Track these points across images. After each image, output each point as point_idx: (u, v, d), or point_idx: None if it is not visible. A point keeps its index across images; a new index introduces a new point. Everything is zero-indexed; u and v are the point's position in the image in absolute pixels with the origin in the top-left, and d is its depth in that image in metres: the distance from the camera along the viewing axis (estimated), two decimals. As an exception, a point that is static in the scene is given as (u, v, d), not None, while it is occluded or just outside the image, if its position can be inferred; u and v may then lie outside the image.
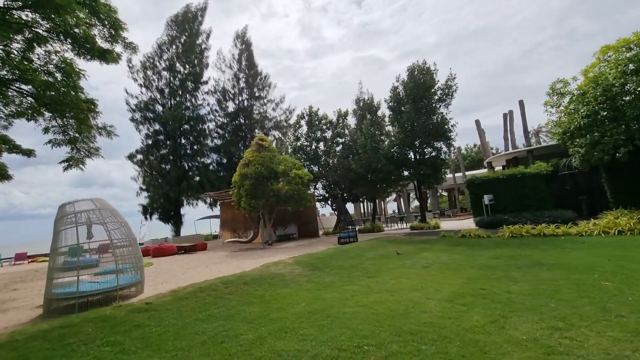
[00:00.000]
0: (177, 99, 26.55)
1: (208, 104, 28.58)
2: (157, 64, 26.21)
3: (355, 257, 9.44)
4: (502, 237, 10.90)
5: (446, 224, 18.22)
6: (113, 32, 10.10)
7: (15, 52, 11.29)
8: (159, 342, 3.84)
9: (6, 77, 11.74)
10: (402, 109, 16.04)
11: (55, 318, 5.29)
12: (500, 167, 20.34)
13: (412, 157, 16.67)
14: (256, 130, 30.61)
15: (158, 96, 26.28)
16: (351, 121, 20.54)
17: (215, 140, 28.17)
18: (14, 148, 13.48)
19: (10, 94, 12.41)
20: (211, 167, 28.02)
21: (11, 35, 10.84)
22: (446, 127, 15.74)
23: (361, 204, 31.31)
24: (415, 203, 39.99)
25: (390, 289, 5.53)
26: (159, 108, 26.26)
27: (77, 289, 5.60)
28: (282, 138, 28.50)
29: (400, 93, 16.09)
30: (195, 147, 27.02)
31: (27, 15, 10.59)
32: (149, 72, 25.99)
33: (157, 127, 25.99)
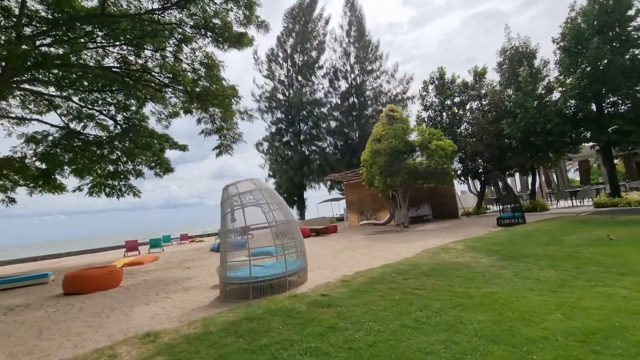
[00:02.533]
0: (296, 85, 27.25)
1: (323, 87, 28.49)
2: (278, 54, 27.32)
3: (552, 243, 7.01)
4: None
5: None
6: (247, 13, 10.00)
7: (169, 55, 12.57)
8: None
9: (163, 81, 13.32)
10: (582, 47, 11.83)
11: (233, 302, 5.00)
12: None
13: (597, 110, 12.30)
14: (369, 109, 29.16)
15: (279, 86, 27.50)
16: (492, 78, 16.82)
17: (330, 123, 27.93)
18: (173, 144, 15.54)
19: (168, 95, 14.20)
20: (327, 150, 28.00)
21: (164, 41, 12.05)
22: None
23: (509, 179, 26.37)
24: (570, 175, 31.93)
25: None
26: (281, 97, 27.47)
27: (249, 273, 5.21)
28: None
29: (581, 25, 11.81)
30: (314, 131, 27.34)
31: (175, 17, 11.49)
32: (272, 64, 27.35)
33: (279, 115, 27.30)
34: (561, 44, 12.71)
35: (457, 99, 16.64)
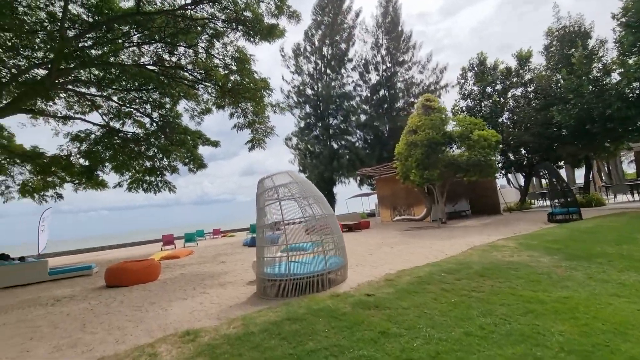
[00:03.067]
0: (325, 79, 26.84)
1: (352, 80, 27.88)
2: (306, 48, 27.02)
3: (624, 242, 6.18)
4: None
5: None
6: (279, 3, 9.76)
7: (201, 51, 12.64)
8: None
9: (196, 77, 13.45)
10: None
11: (271, 300, 4.78)
12: None
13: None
14: (400, 101, 28.20)
15: (308, 80, 27.23)
16: (538, 62, 15.47)
17: (360, 116, 27.30)
18: (206, 141, 15.74)
19: (200, 92, 14.37)
20: (357, 144, 27.42)
21: (197, 37, 12.11)
22: None
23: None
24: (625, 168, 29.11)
25: None
26: (309, 91, 27.20)
27: (288, 270, 4.96)
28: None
29: (648, -5, 10.47)
30: (343, 125, 26.87)
31: (206, 12, 11.49)
32: (300, 59, 27.10)
33: (308, 109, 27.07)
34: (623, 19, 11.33)
35: (498, 86, 15.49)
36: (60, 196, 15.06)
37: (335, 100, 26.24)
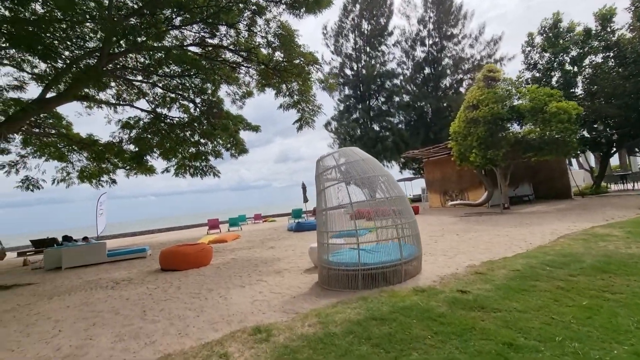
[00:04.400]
0: (365, 58, 25.51)
1: (394, 57, 26.27)
2: (344, 26, 25.72)
3: None
4: None
5: None
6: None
7: (243, 30, 12.16)
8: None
9: (238, 60, 13.06)
10: None
11: (339, 292, 4.23)
12: None
13: None
14: (447, 79, 26.19)
15: (346, 60, 26.05)
16: (620, 20, 13.15)
17: (403, 96, 25.75)
18: (247, 126, 15.52)
19: (241, 75, 14.03)
20: (400, 126, 26.01)
21: (238, 14, 11.60)
22: None
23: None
24: None
25: None
26: (348, 72, 26.09)
27: (358, 259, 4.35)
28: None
29: None
30: (384, 107, 25.55)
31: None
32: (339, 38, 25.90)
33: (347, 91, 26.02)
34: None
35: (573, 53, 13.41)
36: (114, 181, 15.72)
37: (377, 79, 24.89)
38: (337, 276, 4.52)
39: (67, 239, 12.21)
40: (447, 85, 25.80)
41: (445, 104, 24.85)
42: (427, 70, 26.39)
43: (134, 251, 9.62)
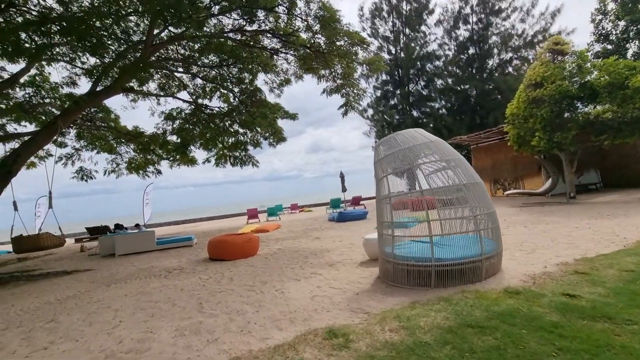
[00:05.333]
0: (403, 40, 24.22)
1: (435, 38, 24.71)
2: (382, 7, 24.50)
3: None
4: None
5: None
6: None
7: (282, 14, 11.75)
8: None
9: (275, 47, 12.72)
10: None
11: (410, 290, 3.78)
12: None
13: None
14: (495, 58, 24.23)
15: (383, 43, 24.93)
16: None
17: (447, 80, 24.22)
18: (285, 114, 15.28)
19: (279, 62, 13.72)
20: (441, 111, 24.57)
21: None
22: None
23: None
24: None
25: None
26: (385, 56, 24.95)
27: (432, 253, 3.84)
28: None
29: None
30: (424, 91, 24.23)
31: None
32: (376, 20, 24.77)
33: (384, 77, 24.93)
34: None
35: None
36: (159, 172, 16.24)
37: (416, 63, 23.56)
38: (406, 271, 4.05)
39: (118, 227, 12.78)
40: (495, 65, 23.89)
41: (491, 86, 23.07)
42: (471, 51, 24.60)
43: (181, 239, 9.76)
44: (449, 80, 24.39)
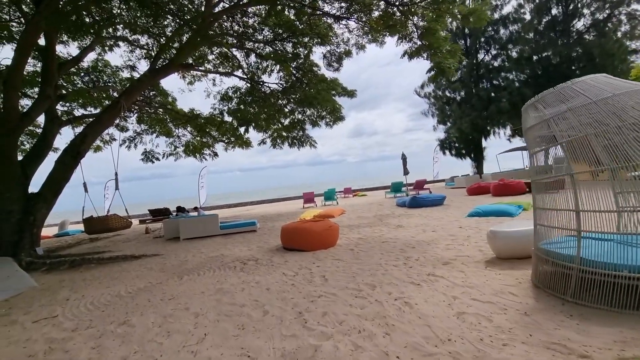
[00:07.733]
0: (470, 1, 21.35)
1: (509, 0, 21.48)
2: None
3: None
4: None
5: None
6: None
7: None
8: None
9: (336, 14, 11.40)
10: None
11: (615, 313, 2.45)
12: None
13: None
14: (586, 18, 20.50)
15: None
16: None
17: (525, 47, 21.05)
18: (343, 91, 14.09)
19: (340, 30, 12.45)
20: (516, 83, 21.54)
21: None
22: None
23: None
24: None
25: None
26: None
27: (625, 256, 2.44)
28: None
29: None
30: (495, 62, 21.32)
31: None
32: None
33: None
34: None
35: None
36: (215, 154, 16.01)
37: (487, 29, 20.67)
38: (604, 286, 2.69)
39: (180, 209, 12.65)
40: (585, 26, 20.18)
41: (580, 52, 19.57)
42: (553, 11, 21.05)
43: (244, 224, 9.15)
44: (526, 48, 21.16)
